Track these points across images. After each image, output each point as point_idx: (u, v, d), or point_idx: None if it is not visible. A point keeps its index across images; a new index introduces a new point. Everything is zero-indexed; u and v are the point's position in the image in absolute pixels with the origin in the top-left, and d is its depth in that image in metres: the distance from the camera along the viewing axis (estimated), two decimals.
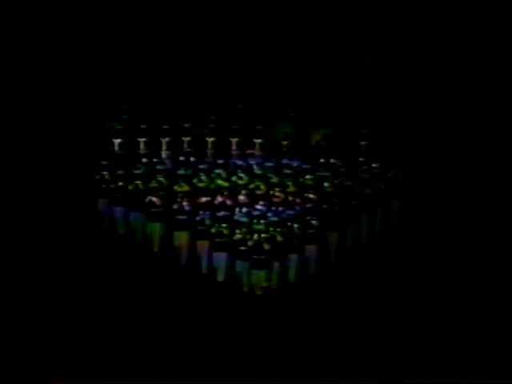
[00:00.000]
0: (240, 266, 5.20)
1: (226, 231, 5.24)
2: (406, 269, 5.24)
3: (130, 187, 5.31)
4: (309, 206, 5.29)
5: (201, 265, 5.23)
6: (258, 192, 5.29)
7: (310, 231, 5.27)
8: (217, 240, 5.24)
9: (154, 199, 5.29)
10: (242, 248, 5.22)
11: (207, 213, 5.26)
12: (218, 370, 5.06)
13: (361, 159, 5.37)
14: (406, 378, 5.01)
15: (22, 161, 5.25)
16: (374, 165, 5.37)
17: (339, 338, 5.16)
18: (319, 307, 5.21)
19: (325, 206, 5.30)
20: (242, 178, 5.30)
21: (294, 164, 5.31)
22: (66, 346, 5.11)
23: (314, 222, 5.27)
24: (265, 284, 5.19)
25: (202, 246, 5.24)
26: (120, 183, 5.31)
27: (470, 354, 5.09)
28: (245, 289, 5.21)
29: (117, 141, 5.33)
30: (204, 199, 5.29)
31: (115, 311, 5.17)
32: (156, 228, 5.26)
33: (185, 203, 5.27)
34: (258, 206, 5.26)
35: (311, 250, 5.26)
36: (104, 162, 5.31)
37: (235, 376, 5.01)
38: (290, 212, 5.28)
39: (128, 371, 5.05)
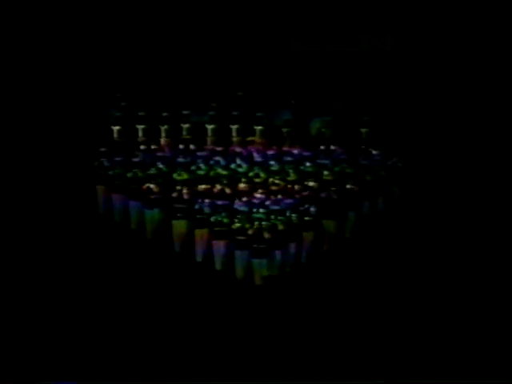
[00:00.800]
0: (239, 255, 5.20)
1: (225, 220, 5.21)
2: (406, 256, 5.23)
3: (129, 175, 5.27)
4: (309, 193, 5.26)
5: (198, 253, 5.22)
6: (257, 180, 5.25)
7: (309, 219, 5.24)
8: (216, 229, 5.22)
9: (152, 186, 5.25)
10: (242, 237, 5.20)
11: (206, 201, 5.22)
12: (218, 363, 5.08)
13: (361, 147, 5.33)
14: (407, 376, 5.02)
15: (21, 147, 5.21)
16: (374, 152, 5.32)
17: (338, 329, 5.17)
18: (318, 296, 5.21)
19: (324, 194, 5.26)
20: (241, 166, 5.26)
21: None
22: (61, 338, 5.11)
23: (313, 209, 5.25)
24: (265, 273, 5.18)
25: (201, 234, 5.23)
26: (118, 170, 5.27)
27: (469, 352, 5.09)
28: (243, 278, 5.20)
29: (116, 128, 5.27)
30: (203, 187, 5.25)
31: (112, 300, 5.17)
32: (154, 216, 5.23)
33: (184, 191, 5.24)
34: (257, 195, 5.23)
35: (310, 237, 5.24)
36: (103, 149, 5.27)
37: (235, 371, 5.05)
38: (290, 200, 5.24)
39: (125, 363, 5.07)
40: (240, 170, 5.25)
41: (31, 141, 5.21)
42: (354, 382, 4.98)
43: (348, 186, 5.28)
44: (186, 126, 5.29)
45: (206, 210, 5.21)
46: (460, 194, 5.25)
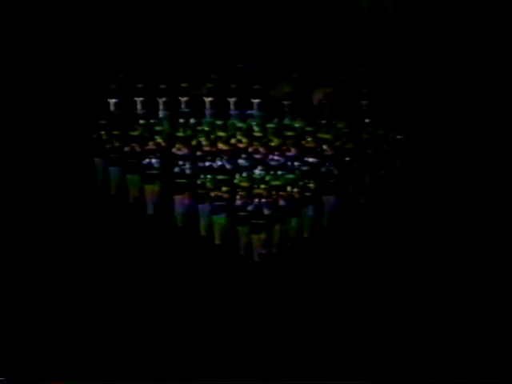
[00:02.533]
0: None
1: (225, 195, 5.19)
2: (408, 231, 5.20)
3: (126, 148, 5.22)
4: (309, 168, 5.21)
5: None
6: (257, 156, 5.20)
7: (309, 194, 5.21)
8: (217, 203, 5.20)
9: (153, 160, 5.21)
10: (242, 213, 5.18)
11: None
12: (216, 342, 5.14)
13: (364, 120, 5.23)
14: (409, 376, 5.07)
15: (17, 120, 5.16)
16: (376, 125, 5.24)
17: (337, 310, 5.20)
18: (320, 272, 5.22)
19: (324, 169, 5.21)
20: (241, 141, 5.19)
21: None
22: (56, 317, 5.16)
23: (313, 184, 5.20)
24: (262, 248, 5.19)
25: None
26: (116, 144, 5.22)
27: (469, 351, 5.09)
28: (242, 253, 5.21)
29: (112, 100, 5.19)
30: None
31: (109, 278, 5.19)
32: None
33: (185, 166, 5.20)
34: (257, 171, 5.19)
35: (309, 212, 5.22)
36: (102, 122, 5.21)
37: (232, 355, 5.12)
38: (291, 176, 5.20)
39: (123, 342, 5.13)
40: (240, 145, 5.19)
41: (25, 114, 5.15)
42: (353, 381, 5.05)
43: (348, 160, 5.22)
44: (184, 99, 5.19)
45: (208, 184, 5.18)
46: (465, 168, 5.18)
